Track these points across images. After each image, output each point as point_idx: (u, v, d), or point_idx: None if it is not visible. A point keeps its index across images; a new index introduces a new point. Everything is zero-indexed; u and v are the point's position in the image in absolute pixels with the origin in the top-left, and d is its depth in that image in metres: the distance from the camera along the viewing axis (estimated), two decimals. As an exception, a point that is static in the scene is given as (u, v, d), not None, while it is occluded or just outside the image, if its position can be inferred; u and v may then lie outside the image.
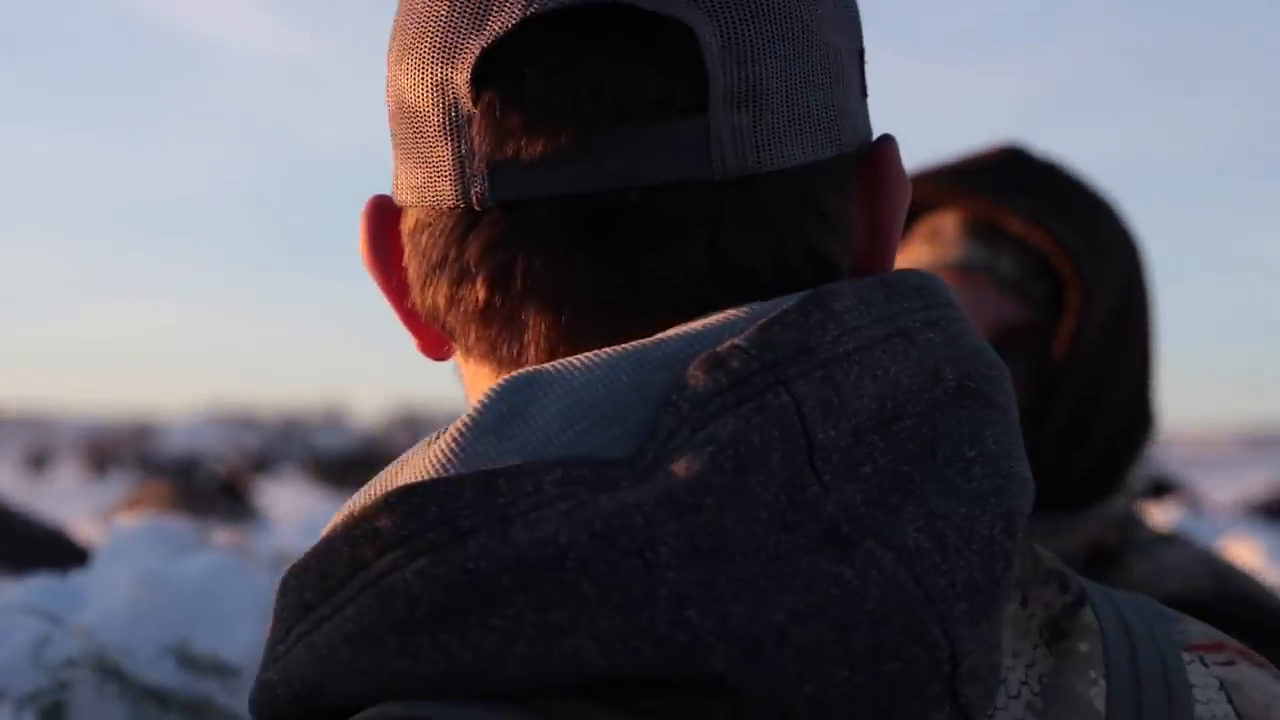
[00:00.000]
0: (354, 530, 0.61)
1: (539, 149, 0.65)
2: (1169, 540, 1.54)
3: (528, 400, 0.62)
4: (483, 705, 0.59)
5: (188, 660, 2.21)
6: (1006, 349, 1.39)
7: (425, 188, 0.68)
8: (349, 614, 0.60)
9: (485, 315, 0.67)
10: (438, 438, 0.63)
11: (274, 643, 0.63)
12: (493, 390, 0.63)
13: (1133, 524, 1.53)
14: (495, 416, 0.62)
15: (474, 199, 0.66)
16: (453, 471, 0.61)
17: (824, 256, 0.68)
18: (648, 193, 0.65)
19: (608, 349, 0.63)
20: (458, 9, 0.67)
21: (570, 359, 0.63)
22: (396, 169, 0.71)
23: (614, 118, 0.65)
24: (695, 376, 0.61)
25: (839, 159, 0.68)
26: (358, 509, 0.61)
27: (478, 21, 0.66)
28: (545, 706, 0.59)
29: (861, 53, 0.72)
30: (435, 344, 0.72)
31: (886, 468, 0.61)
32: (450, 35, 0.67)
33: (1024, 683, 0.66)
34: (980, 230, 1.45)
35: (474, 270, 0.67)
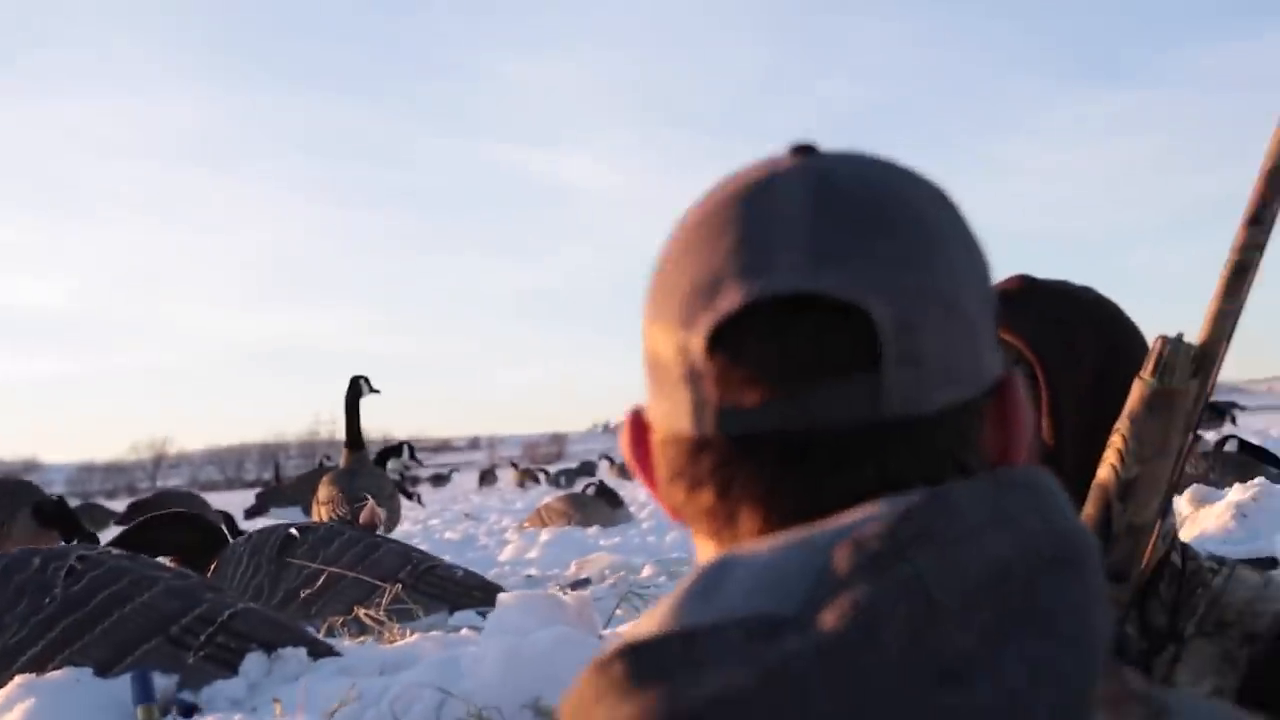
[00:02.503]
0: (597, 675, 0.76)
1: (756, 398, 0.82)
2: (1231, 564, 1.62)
3: (723, 576, 0.78)
4: None
5: (542, 712, 2.88)
6: None
7: (669, 417, 0.85)
8: None
9: (712, 513, 0.84)
10: (668, 598, 0.78)
11: None
12: (700, 568, 0.79)
13: (1187, 547, 1.63)
14: (701, 588, 0.78)
15: (706, 431, 0.83)
16: (670, 628, 0.76)
17: (966, 470, 0.83)
18: (835, 430, 0.81)
19: (785, 535, 0.79)
20: (696, 288, 0.83)
21: (758, 543, 0.79)
22: (649, 396, 0.88)
23: (810, 376, 0.81)
24: (842, 556, 0.76)
25: (977, 395, 0.84)
26: (600, 657, 0.77)
27: (710, 300, 0.82)
28: None
29: (993, 304, 0.87)
30: (680, 520, 0.88)
31: (992, 620, 0.74)
32: (690, 309, 0.83)
33: None
34: None
35: (705, 481, 0.84)
